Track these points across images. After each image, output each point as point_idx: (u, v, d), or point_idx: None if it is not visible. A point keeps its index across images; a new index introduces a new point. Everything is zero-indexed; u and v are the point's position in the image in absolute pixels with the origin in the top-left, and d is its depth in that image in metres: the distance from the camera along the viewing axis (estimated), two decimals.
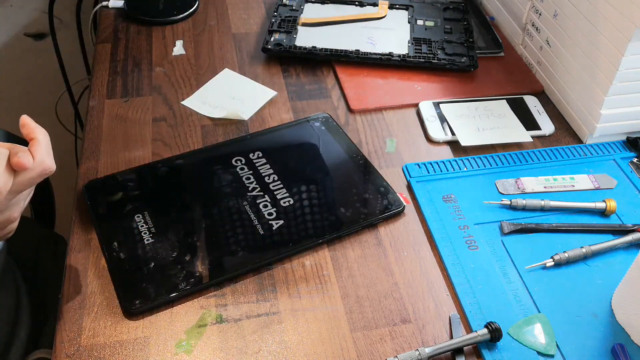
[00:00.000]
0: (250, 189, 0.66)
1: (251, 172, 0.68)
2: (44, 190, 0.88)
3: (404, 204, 0.65)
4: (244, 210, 0.63)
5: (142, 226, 0.62)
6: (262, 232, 0.62)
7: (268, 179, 0.67)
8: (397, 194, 0.66)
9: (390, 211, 0.64)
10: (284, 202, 0.64)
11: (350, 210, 0.64)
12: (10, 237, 0.70)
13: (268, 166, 0.68)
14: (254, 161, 0.69)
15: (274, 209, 0.64)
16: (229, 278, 0.58)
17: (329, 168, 0.69)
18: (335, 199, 0.66)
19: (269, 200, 0.65)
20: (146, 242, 0.60)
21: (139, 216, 0.63)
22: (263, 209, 0.64)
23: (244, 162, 0.69)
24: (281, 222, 0.62)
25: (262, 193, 0.65)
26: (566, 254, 0.60)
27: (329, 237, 0.62)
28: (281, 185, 0.66)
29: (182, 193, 0.66)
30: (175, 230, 0.61)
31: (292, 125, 0.75)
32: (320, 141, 0.73)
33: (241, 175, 0.67)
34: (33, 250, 0.82)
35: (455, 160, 0.71)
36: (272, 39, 0.87)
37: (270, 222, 0.62)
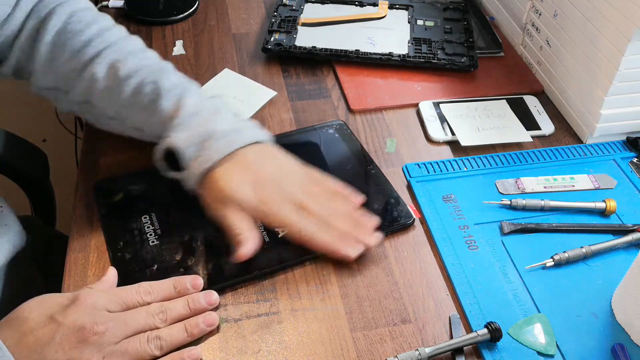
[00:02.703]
0: None
1: None
2: (44, 189, 0.88)
3: (414, 216, 0.64)
4: None
5: (148, 227, 0.61)
6: (267, 240, 0.61)
7: None
8: (407, 206, 0.65)
9: (400, 224, 0.63)
10: None
11: None
12: (27, 239, 0.70)
13: None
14: None
15: None
16: (230, 285, 0.58)
17: (339, 177, 0.67)
18: None
19: None
20: (151, 244, 0.60)
21: (145, 217, 0.62)
22: None
23: None
24: (287, 230, 0.62)
25: None
26: (566, 254, 0.60)
27: None
28: None
29: (190, 195, 0.65)
30: (181, 233, 0.61)
31: (306, 131, 0.74)
32: (332, 148, 0.72)
33: None
34: (44, 247, 0.82)
35: (455, 160, 0.71)
36: (272, 39, 0.87)
37: (276, 229, 0.62)
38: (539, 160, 0.71)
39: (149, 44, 0.88)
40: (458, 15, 0.93)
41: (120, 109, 0.63)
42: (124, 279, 0.57)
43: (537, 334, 0.54)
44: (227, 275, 0.58)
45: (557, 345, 0.54)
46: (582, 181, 0.69)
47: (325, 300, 0.57)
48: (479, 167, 0.70)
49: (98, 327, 0.49)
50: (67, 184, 0.88)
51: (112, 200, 0.64)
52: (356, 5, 0.95)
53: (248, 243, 0.57)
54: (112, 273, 0.56)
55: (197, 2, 0.96)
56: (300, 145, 0.73)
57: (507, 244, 0.62)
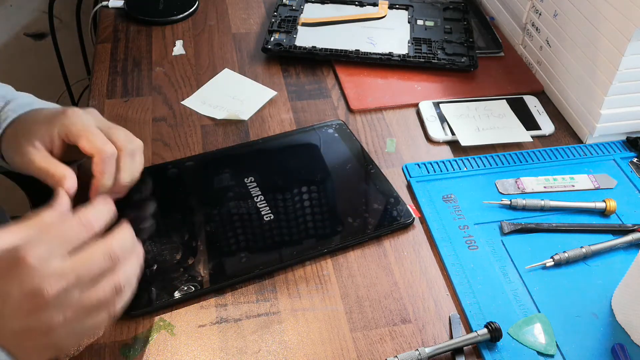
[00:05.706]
0: (258, 194, 0.65)
1: (260, 177, 0.67)
2: (44, 189, 0.88)
3: (414, 216, 0.64)
4: (249, 217, 0.63)
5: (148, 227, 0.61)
6: (266, 240, 0.61)
7: (276, 185, 0.66)
8: (407, 206, 0.65)
9: (400, 223, 0.63)
10: (291, 210, 0.64)
11: (358, 220, 0.63)
12: None
13: (277, 172, 0.68)
14: (264, 166, 0.68)
15: (280, 216, 0.63)
16: (231, 284, 0.58)
17: (339, 176, 0.68)
18: (344, 208, 0.65)
19: (275, 207, 0.64)
20: (151, 244, 0.60)
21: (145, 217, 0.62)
22: (269, 216, 0.63)
23: (254, 166, 0.68)
24: (286, 230, 0.62)
25: (269, 199, 0.64)
26: (566, 254, 0.60)
27: (333, 248, 0.61)
28: (289, 193, 0.65)
29: (190, 196, 0.65)
30: (180, 233, 0.61)
31: (306, 131, 0.74)
32: (332, 148, 0.71)
33: (250, 180, 0.67)
34: None
35: (455, 160, 0.71)
36: (272, 39, 0.87)
37: (275, 229, 0.62)
38: (539, 160, 0.71)
39: (149, 44, 0.88)
40: (458, 15, 0.93)
41: None
42: None
43: (537, 334, 0.54)
44: (227, 274, 0.58)
45: (557, 345, 0.54)
46: (582, 181, 0.69)
47: (325, 300, 0.57)
48: (479, 167, 0.70)
49: (52, 288, 0.43)
50: None
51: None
52: (356, 5, 0.95)
53: (68, 177, 0.57)
54: (64, 198, 0.51)
55: (197, 2, 0.96)
56: (300, 145, 0.73)
57: (507, 244, 0.62)
